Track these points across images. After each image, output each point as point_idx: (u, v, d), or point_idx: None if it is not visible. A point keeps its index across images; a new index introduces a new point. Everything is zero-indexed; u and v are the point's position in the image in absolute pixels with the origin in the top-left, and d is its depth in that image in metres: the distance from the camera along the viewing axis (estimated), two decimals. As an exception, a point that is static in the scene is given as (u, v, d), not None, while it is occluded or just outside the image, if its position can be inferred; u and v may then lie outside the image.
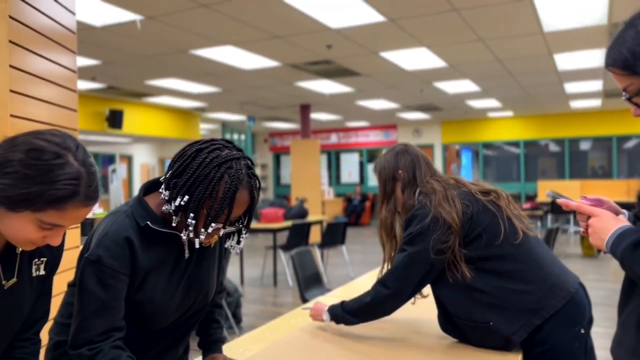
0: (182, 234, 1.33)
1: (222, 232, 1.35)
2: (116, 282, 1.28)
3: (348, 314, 1.82)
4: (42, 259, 1.25)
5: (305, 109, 11.59)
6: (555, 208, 10.60)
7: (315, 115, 13.21)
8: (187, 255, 1.41)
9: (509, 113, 14.02)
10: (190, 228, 1.29)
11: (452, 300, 1.73)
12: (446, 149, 15.65)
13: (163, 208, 1.34)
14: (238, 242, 1.42)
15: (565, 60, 7.72)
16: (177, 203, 1.29)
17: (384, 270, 1.84)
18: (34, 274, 1.23)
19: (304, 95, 10.37)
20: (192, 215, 1.28)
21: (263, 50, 6.81)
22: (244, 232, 1.41)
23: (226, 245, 1.46)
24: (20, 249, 1.18)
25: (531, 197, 13.93)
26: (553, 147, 14.74)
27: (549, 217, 11.46)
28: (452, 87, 9.73)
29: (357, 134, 16.69)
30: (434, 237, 1.68)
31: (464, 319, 1.71)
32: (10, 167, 1.01)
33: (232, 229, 1.38)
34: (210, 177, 1.28)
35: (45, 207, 1.02)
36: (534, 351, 1.66)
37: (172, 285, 1.39)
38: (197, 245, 1.32)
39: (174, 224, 1.32)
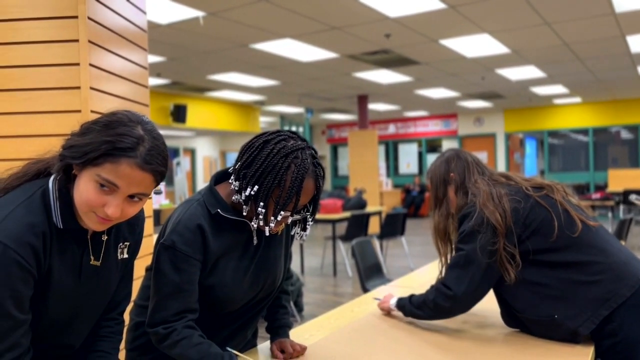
0: (252, 222, 1.38)
1: (289, 220, 1.39)
2: (189, 266, 1.35)
3: (414, 305, 1.84)
4: (125, 243, 1.34)
5: (362, 100, 11.55)
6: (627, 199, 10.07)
7: (373, 106, 13.14)
8: (255, 242, 1.47)
9: (577, 99, 13.40)
10: (260, 217, 1.34)
11: (514, 296, 1.71)
12: (509, 137, 15.16)
13: (233, 198, 1.40)
14: (304, 230, 1.46)
15: (639, 42, 7.28)
16: (247, 193, 1.34)
17: (442, 272, 1.85)
18: (119, 257, 1.33)
19: (361, 86, 10.34)
20: (261, 204, 1.33)
21: (321, 42, 6.84)
22: (309, 219, 1.45)
23: (292, 233, 1.51)
24: (107, 234, 1.26)
25: (601, 187, 13.28)
26: (625, 134, 13.97)
27: (621, 207, 10.89)
28: (516, 73, 9.41)
29: (416, 123, 16.46)
30: (481, 237, 1.67)
31: (527, 313, 1.68)
32: (90, 130, 1.11)
33: (299, 217, 1.43)
34: (278, 167, 1.32)
35: (104, 160, 1.08)
36: (604, 343, 1.60)
37: (241, 270, 1.45)
38: (266, 233, 1.37)
39: (244, 213, 1.38)
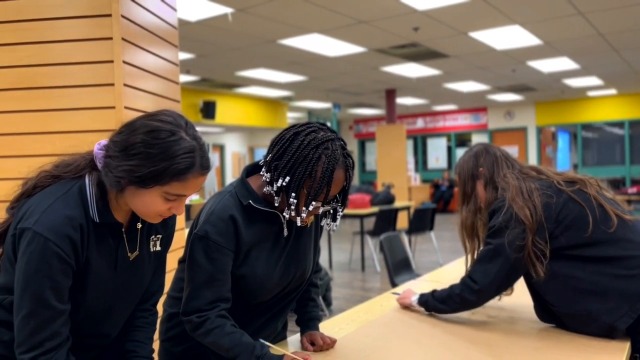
0: (284, 213, 1.40)
1: (321, 210, 1.41)
2: (221, 256, 1.38)
3: (437, 300, 1.83)
4: (157, 236, 1.38)
5: (390, 94, 11.47)
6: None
7: (401, 100, 13.04)
8: (285, 233, 1.49)
9: (612, 91, 13.02)
10: (292, 207, 1.36)
11: (548, 289, 1.68)
12: (541, 131, 14.86)
13: (264, 189, 1.42)
14: (334, 220, 1.47)
15: (678, 31, 7.04)
16: (278, 184, 1.36)
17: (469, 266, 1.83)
18: (151, 249, 1.36)
19: (389, 80, 10.27)
20: (293, 195, 1.35)
21: (349, 36, 6.82)
22: (340, 210, 1.46)
23: (322, 224, 1.52)
24: (140, 225, 1.30)
25: (637, 181, 12.90)
26: (663, 127, 13.54)
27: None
28: (548, 65, 9.21)
29: (445, 117, 16.27)
30: (510, 233, 1.65)
31: (562, 307, 1.65)
32: (135, 149, 1.13)
33: (329, 207, 1.44)
34: (309, 159, 1.34)
35: (170, 180, 1.14)
36: (642, 339, 1.57)
37: (272, 261, 1.47)
38: (298, 224, 1.38)
39: (276, 204, 1.40)
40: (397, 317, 1.91)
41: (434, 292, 1.87)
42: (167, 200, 1.17)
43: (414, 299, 1.93)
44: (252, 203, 1.41)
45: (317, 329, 1.66)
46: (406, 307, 1.98)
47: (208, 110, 10.79)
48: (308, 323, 1.67)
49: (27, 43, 2.02)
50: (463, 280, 1.76)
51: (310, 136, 1.36)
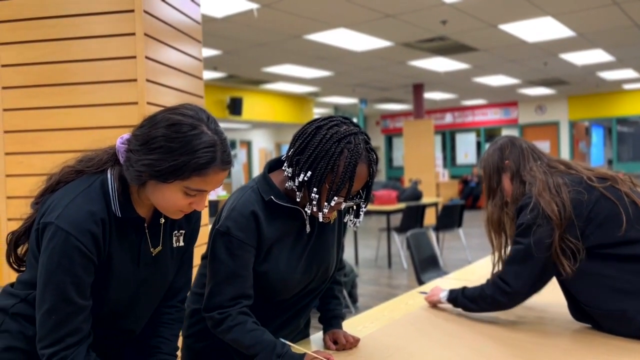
0: (305, 209, 1.38)
1: (343, 205, 1.37)
2: (243, 252, 1.36)
3: (467, 299, 1.78)
4: (181, 231, 1.37)
5: (418, 89, 11.34)
6: None
7: (428, 95, 12.89)
8: (308, 229, 1.47)
9: (649, 84, 12.61)
10: (314, 202, 1.34)
11: (581, 289, 1.61)
12: (573, 126, 14.48)
13: (286, 184, 1.40)
14: (357, 216, 1.44)
15: None
16: (300, 179, 1.34)
17: (497, 265, 1.78)
18: (174, 245, 1.35)
19: (417, 75, 10.15)
20: (315, 190, 1.32)
21: (375, 30, 6.75)
22: (363, 206, 1.43)
23: (345, 220, 1.49)
24: (163, 220, 1.29)
25: (676, 177, 12.44)
26: None
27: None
28: (581, 58, 8.95)
29: (474, 112, 16.02)
30: (537, 230, 1.59)
31: (595, 307, 1.59)
32: (156, 143, 1.12)
33: (352, 203, 1.40)
34: (331, 153, 1.30)
35: (190, 175, 1.12)
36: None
37: (294, 257, 1.45)
38: (320, 219, 1.36)
39: (298, 200, 1.38)
40: (422, 316, 1.86)
41: (464, 289, 1.82)
42: (188, 195, 1.16)
43: (443, 295, 1.88)
44: (273, 199, 1.39)
45: (340, 327, 1.63)
46: (434, 304, 1.94)
47: (235, 107, 10.85)
48: (331, 321, 1.64)
49: (51, 40, 2.04)
50: (494, 281, 1.70)
51: (332, 130, 1.33)
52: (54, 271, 1.11)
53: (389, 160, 18.09)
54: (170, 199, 1.16)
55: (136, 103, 1.99)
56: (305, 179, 1.33)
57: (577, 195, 1.60)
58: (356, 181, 1.32)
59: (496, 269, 1.77)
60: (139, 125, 1.17)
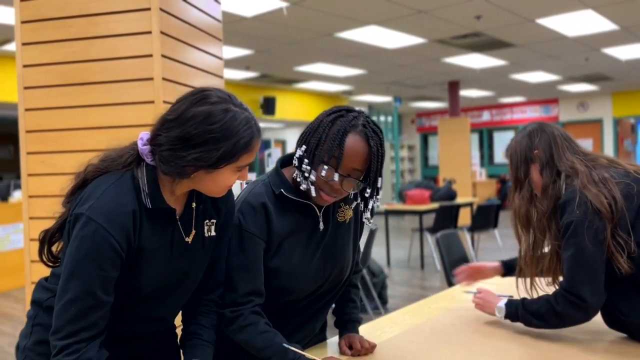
0: (301, 186, 1.36)
1: (342, 186, 1.32)
2: (254, 245, 1.35)
3: (532, 315, 1.59)
4: (212, 221, 1.35)
5: (453, 86, 11.12)
6: None
7: (464, 93, 12.63)
8: (321, 227, 1.44)
9: (700, 78, 12.00)
10: (306, 175, 1.33)
11: (620, 296, 1.49)
12: (618, 123, 13.93)
13: (293, 175, 1.39)
14: (366, 209, 1.38)
15: None
16: (296, 155, 1.35)
17: (525, 265, 1.64)
18: (206, 234, 1.34)
19: (452, 72, 9.95)
20: (306, 161, 1.32)
21: (407, 27, 6.63)
22: (371, 197, 1.37)
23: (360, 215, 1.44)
24: (195, 205, 1.29)
25: None
26: None
27: None
28: (625, 52, 8.59)
29: (512, 110, 15.62)
30: (589, 226, 1.45)
31: (635, 318, 1.47)
32: (197, 139, 1.14)
33: (353, 184, 1.34)
34: (324, 125, 1.32)
35: (239, 155, 1.17)
36: None
37: (307, 254, 1.42)
38: (312, 194, 1.33)
39: (302, 187, 1.36)
40: (445, 322, 1.78)
41: (523, 302, 1.62)
42: (237, 171, 1.21)
43: (500, 311, 1.68)
44: (283, 192, 1.38)
45: (356, 331, 1.58)
46: (487, 313, 1.75)
47: (268, 106, 10.89)
48: (347, 325, 1.59)
49: (71, 39, 2.05)
50: (564, 295, 1.50)
51: (332, 115, 1.34)
52: (81, 261, 1.11)
53: (425, 159, 17.84)
54: (221, 181, 1.20)
55: (152, 102, 1.98)
56: (300, 153, 1.34)
57: (625, 187, 1.48)
58: (349, 153, 1.29)
59: (523, 268, 1.65)
60: (165, 125, 1.16)
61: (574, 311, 1.49)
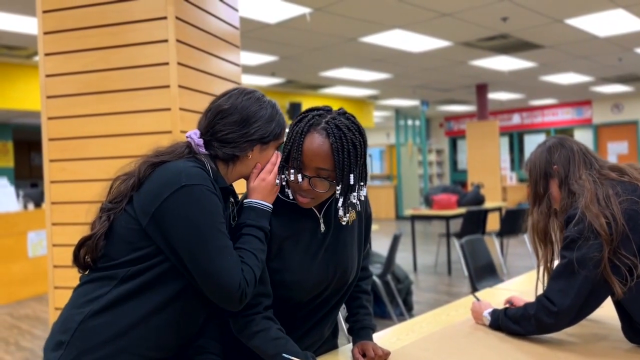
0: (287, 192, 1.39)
1: (313, 186, 1.32)
2: None
3: (510, 320, 1.63)
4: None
5: (481, 89, 10.96)
6: None
7: (493, 95, 12.43)
8: (323, 229, 1.43)
9: None
10: (284, 181, 1.38)
11: (638, 309, 1.44)
12: (654, 124, 13.50)
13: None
14: (342, 206, 1.35)
15: None
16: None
17: (542, 279, 1.63)
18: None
19: (479, 75, 9.81)
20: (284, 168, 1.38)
21: (432, 30, 6.57)
22: (341, 194, 1.33)
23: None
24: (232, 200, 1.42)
25: None
26: None
27: None
28: (660, 51, 8.31)
29: (543, 112, 15.29)
30: (583, 244, 1.44)
31: None
32: (255, 117, 1.34)
33: (324, 184, 1.32)
34: (290, 130, 1.36)
35: (282, 132, 1.39)
36: None
37: (309, 256, 1.41)
38: (291, 196, 1.37)
39: (287, 193, 1.40)
40: (463, 330, 1.74)
41: (506, 309, 1.68)
42: (276, 150, 1.40)
43: (486, 319, 1.73)
44: (280, 196, 1.41)
45: (369, 338, 1.56)
46: (478, 321, 1.79)
47: (294, 112, 10.92)
48: (359, 332, 1.57)
49: (91, 49, 2.10)
50: (538, 299, 1.55)
51: (297, 118, 1.38)
52: (208, 218, 1.19)
53: (454, 163, 17.61)
54: (268, 158, 1.37)
55: (169, 109, 2.00)
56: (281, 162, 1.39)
57: (630, 205, 1.44)
58: (309, 153, 1.29)
59: (540, 283, 1.63)
60: (219, 114, 1.31)
61: (543, 314, 1.52)
